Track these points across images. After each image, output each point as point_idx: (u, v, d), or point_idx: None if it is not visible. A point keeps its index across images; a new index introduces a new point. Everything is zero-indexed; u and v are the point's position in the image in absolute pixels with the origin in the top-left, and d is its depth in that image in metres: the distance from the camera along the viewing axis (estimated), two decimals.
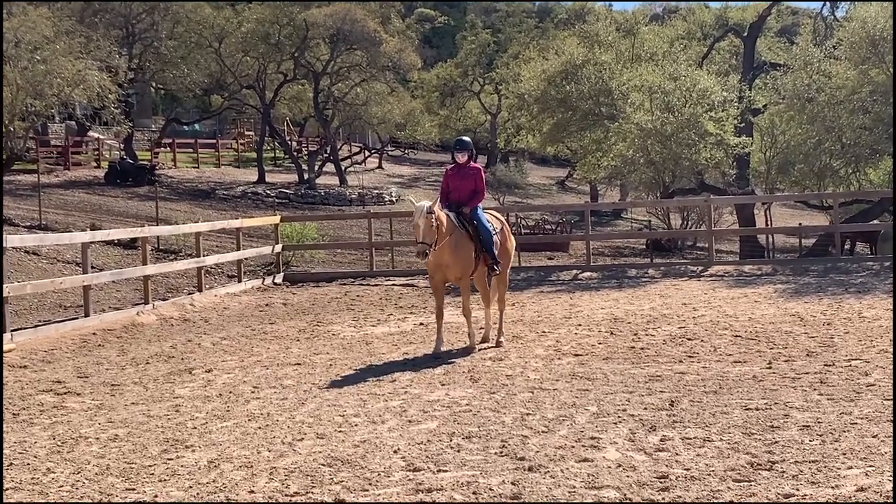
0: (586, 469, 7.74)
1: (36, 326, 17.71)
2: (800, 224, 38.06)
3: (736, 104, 34.52)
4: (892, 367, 11.46)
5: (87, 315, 18.39)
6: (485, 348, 14.14)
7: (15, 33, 34.39)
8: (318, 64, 61.06)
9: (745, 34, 41.74)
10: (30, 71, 33.44)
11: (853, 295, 19.13)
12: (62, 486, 7.81)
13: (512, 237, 15.48)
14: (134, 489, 7.63)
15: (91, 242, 20.73)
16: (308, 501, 7.19)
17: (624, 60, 39.90)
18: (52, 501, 7.50)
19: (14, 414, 10.67)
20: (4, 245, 17.51)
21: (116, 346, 15.93)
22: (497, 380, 11.68)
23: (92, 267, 20.53)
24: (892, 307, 16.28)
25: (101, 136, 58.92)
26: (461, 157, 14.31)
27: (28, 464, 8.54)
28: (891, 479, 7.14)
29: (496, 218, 14.88)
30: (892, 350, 12.56)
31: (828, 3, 41.26)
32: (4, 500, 7.54)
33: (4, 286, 16.47)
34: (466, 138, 15.11)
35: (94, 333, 17.14)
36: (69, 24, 40.96)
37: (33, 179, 43.87)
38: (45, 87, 33.83)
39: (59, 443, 9.27)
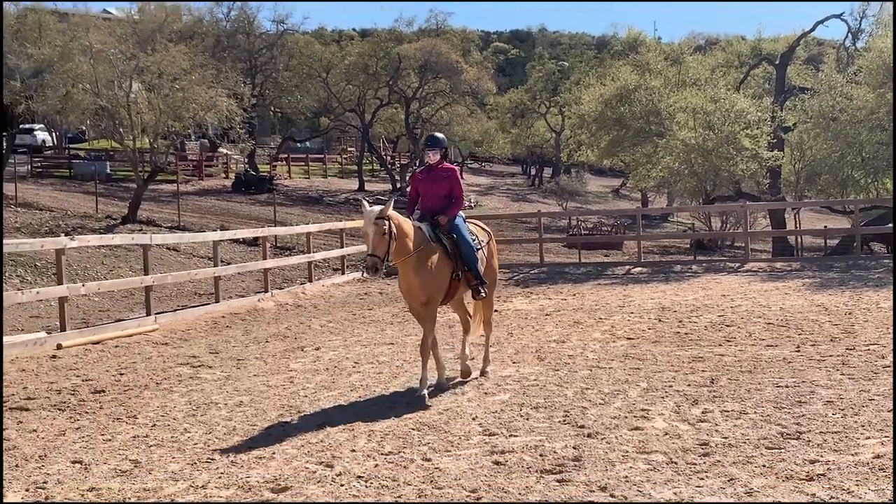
0: (637, 436, 7.69)
1: (175, 310, 18.06)
2: (825, 227, 37.39)
3: (769, 123, 34.01)
4: None
5: (217, 301, 18.71)
6: (459, 380, 10.22)
7: (158, 66, 35.06)
8: (408, 90, 61.43)
9: (777, 62, 41.07)
10: (170, 98, 34.06)
11: (871, 288, 18.79)
12: (196, 444, 7.96)
13: (496, 253, 11.32)
14: (255, 447, 7.74)
15: (221, 241, 21.08)
16: (400, 458, 7.24)
17: (671, 85, 39.43)
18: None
19: (157, 383, 10.88)
20: (150, 242, 17.89)
21: (241, 327, 16.17)
22: (560, 359, 11.64)
23: (221, 261, 20.87)
24: None
25: (229, 152, 59.81)
26: (432, 157, 10.36)
27: (168, 425, 8.70)
28: None
29: (482, 229, 10.97)
30: None
31: (849, 35, 40.50)
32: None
33: (150, 276, 16.83)
34: (440, 135, 10.84)
35: (223, 316, 17.43)
36: (203, 58, 41.62)
37: (173, 188, 44.73)
38: (183, 112, 34.45)
39: (194, 407, 9.44)
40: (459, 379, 10.39)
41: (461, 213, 10.34)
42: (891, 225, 29.37)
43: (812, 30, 41.61)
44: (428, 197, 10.22)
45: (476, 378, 10.47)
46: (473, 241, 10.27)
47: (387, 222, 9.22)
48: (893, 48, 28.10)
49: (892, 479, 6.32)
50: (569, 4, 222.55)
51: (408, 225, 9.61)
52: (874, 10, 38.41)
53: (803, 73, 41.16)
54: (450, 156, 77.02)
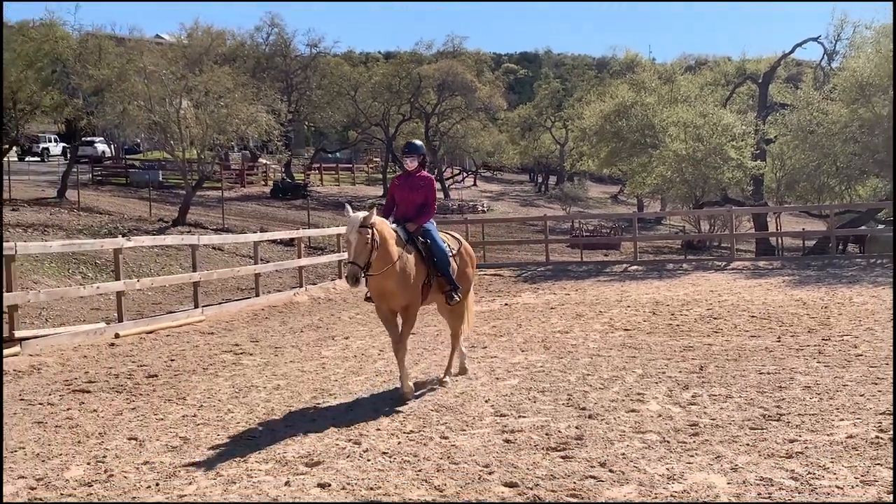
0: (634, 417, 7.67)
1: (220, 303, 18.14)
2: (803, 229, 37.24)
3: (752, 136, 33.87)
4: (876, 341, 11.13)
5: (257, 295, 18.78)
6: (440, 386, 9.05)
7: (205, 85, 35.21)
8: (428, 107, 61.49)
9: (760, 81, 40.86)
10: (215, 113, 34.18)
11: (845, 285, 18.68)
12: (239, 423, 8.00)
13: (473, 261, 10.14)
14: (292, 426, 7.77)
15: (260, 241, 21.14)
16: (420, 436, 7.25)
17: (664, 102, 39.25)
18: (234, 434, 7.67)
19: (204, 368, 10.94)
20: (198, 243, 17.95)
21: (279, 318, 16.22)
22: (564, 348, 11.62)
23: (261, 259, 20.94)
24: (876, 295, 15.79)
25: (268, 162, 60.05)
26: (410, 164, 9.33)
27: (214, 406, 8.74)
28: (875, 428, 6.95)
29: (453, 237, 9.79)
30: (876, 328, 12.21)
31: (825, 57, 40.27)
32: None
33: (198, 273, 16.89)
34: (418, 141, 9.73)
35: (262, 309, 17.49)
36: (244, 78, 41.80)
37: (218, 194, 44.89)
38: (227, 126, 34.55)
39: (236, 390, 9.48)
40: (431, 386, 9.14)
41: (433, 221, 9.32)
42: (862, 227, 29.27)
43: (792, 52, 41.36)
44: (404, 204, 9.17)
45: (435, 386, 9.24)
46: (445, 247, 9.21)
47: (370, 230, 8.20)
48: (894, 51, 27.88)
49: (864, 456, 6.29)
50: (572, 29, 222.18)
51: (389, 231, 8.56)
52: (848, 33, 38.19)
53: (784, 91, 40.91)
54: (465, 165, 77.49)
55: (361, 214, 8.23)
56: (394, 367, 10.37)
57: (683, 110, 35.47)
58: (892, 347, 10.41)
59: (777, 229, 38.07)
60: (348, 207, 8.57)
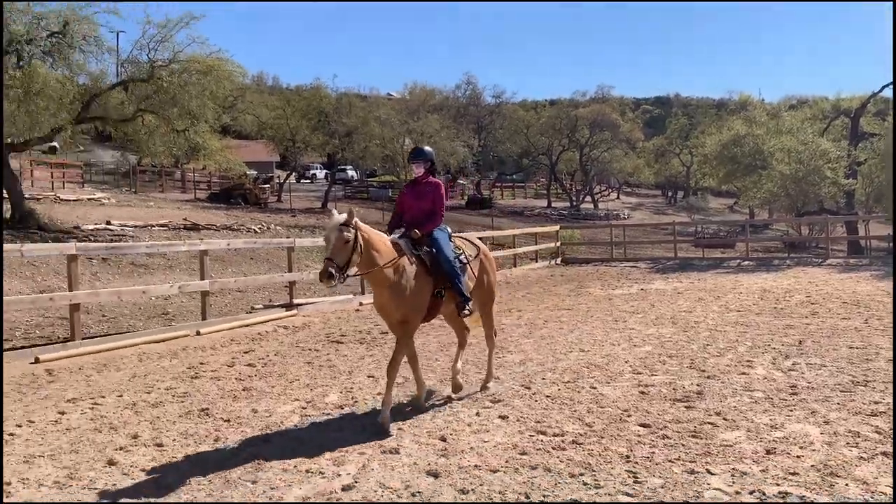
0: (744, 379, 7.28)
1: None
2: (888, 234, 33.70)
3: (845, 159, 31.05)
4: None
5: None
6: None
7: (421, 128, 36.32)
8: (582, 139, 60.36)
9: (852, 115, 37.32)
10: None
11: None
12: (443, 369, 8.21)
13: (492, 268, 7.28)
14: (480, 372, 7.87)
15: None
16: (575, 386, 7.20)
17: (771, 133, 36.57)
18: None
19: (420, 329, 11.23)
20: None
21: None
22: (688, 324, 11.14)
23: None
24: None
25: (464, 182, 60.99)
26: (417, 170, 6.74)
27: (426, 355, 9.02)
28: None
29: (472, 244, 7.21)
30: None
31: None
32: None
33: None
34: (427, 148, 6.98)
35: None
36: (447, 122, 42.72)
37: None
38: (435, 157, 35.50)
39: (441, 346, 9.68)
40: (449, 394, 6.94)
41: (447, 228, 6.82)
42: None
43: (880, 91, 37.26)
44: (412, 212, 6.66)
45: (477, 392, 7.03)
46: (460, 254, 6.71)
47: (352, 231, 5.73)
48: (894, 53, 24.82)
49: None
50: (697, 77, 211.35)
51: (378, 239, 6.04)
52: None
53: (872, 123, 37.12)
54: (610, 183, 75.46)
55: (344, 215, 5.79)
56: (555, 334, 10.33)
57: (787, 139, 32.97)
58: None
59: (866, 233, 34.68)
60: (333, 210, 5.95)
